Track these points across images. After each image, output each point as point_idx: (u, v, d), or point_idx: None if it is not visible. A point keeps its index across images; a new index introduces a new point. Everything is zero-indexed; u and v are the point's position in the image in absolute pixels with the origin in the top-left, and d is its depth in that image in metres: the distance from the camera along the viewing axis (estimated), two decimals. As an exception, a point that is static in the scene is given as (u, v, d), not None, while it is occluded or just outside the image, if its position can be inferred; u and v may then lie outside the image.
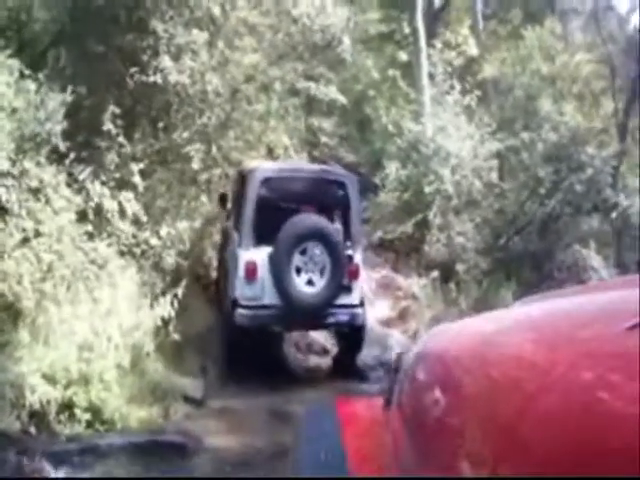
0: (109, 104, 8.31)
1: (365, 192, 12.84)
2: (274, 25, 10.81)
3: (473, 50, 17.74)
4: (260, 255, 8.04)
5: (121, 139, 8.40)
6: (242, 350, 8.03)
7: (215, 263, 10.31)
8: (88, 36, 9.32)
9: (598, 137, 15.47)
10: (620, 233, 14.72)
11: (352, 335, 8.55)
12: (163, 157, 9.81)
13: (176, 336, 7.32)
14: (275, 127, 11.68)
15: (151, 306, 7.45)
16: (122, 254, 7.79)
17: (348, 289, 8.22)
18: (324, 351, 9.41)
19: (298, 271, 8.03)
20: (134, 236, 7.95)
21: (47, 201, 7.06)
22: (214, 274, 10.22)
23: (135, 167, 8.28)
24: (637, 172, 14.71)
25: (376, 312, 10.73)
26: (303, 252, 8.04)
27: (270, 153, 11.72)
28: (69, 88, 7.68)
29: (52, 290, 6.71)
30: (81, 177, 7.58)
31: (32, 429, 5.78)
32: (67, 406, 6.03)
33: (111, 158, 8.39)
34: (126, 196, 7.86)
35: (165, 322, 7.36)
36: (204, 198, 10.18)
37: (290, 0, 10.59)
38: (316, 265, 8.06)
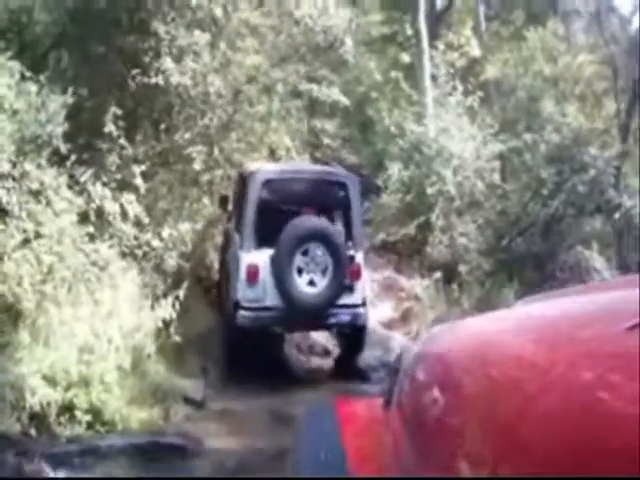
0: (110, 106, 8.32)
1: (367, 194, 12.84)
2: (276, 26, 10.82)
3: (475, 51, 17.76)
4: (262, 257, 8.03)
5: (122, 141, 8.42)
6: (243, 352, 8.02)
7: (217, 265, 10.30)
8: (89, 38, 9.33)
9: (600, 138, 15.42)
10: (622, 234, 14.68)
11: (354, 335, 8.54)
12: (165, 159, 9.81)
13: (177, 338, 7.32)
14: (277, 129, 11.68)
15: (152, 308, 7.45)
16: (123, 256, 7.79)
17: (350, 289, 8.21)
18: (326, 352, 9.39)
19: (300, 272, 8.03)
20: (136, 238, 7.95)
21: (48, 203, 7.06)
22: (216, 276, 10.20)
23: (137, 169, 8.30)
24: (638, 173, 14.66)
25: (379, 313, 10.72)
26: (305, 253, 8.03)
27: (272, 155, 11.71)
28: (70, 90, 7.69)
29: (52, 291, 6.71)
30: (82, 179, 7.58)
31: (32, 431, 5.78)
32: (67, 408, 6.02)
33: (112, 160, 8.41)
34: (128, 198, 7.87)
35: (166, 324, 7.36)
36: (206, 200, 10.18)
37: (292, 1, 10.60)
38: (318, 266, 8.05)
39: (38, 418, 5.85)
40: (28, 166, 7.05)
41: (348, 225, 8.46)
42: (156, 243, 8.16)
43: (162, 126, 9.75)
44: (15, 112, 7.19)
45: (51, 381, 6.03)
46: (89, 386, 6.18)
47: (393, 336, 10.09)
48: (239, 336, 8.00)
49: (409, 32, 17.39)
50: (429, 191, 12.79)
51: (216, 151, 9.92)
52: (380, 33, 20.31)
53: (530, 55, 16.90)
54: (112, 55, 9.43)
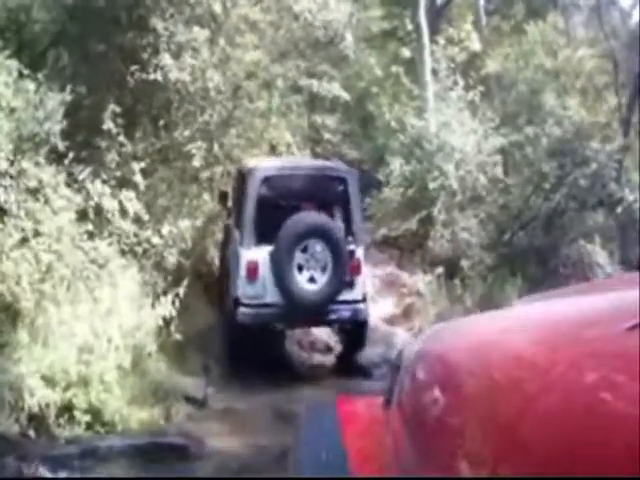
0: (109, 103, 8.31)
1: (368, 189, 12.81)
2: (275, 22, 10.78)
3: (476, 46, 17.68)
4: (261, 254, 8.02)
5: (122, 138, 8.40)
6: (244, 349, 8.01)
7: (217, 261, 10.27)
8: (88, 36, 9.33)
9: (602, 131, 15.39)
10: (625, 228, 14.65)
11: (355, 331, 8.53)
12: (164, 155, 9.80)
13: (178, 336, 7.29)
14: (277, 124, 11.66)
15: (152, 306, 7.42)
16: (123, 253, 7.77)
17: (350, 285, 8.20)
18: (327, 349, 9.37)
19: (300, 269, 8.02)
20: (135, 235, 7.92)
21: (46, 201, 7.04)
22: (216, 273, 10.17)
23: (136, 166, 8.28)
24: (639, 167, 14.63)
25: (380, 309, 10.69)
26: (304, 250, 8.03)
27: (272, 150, 11.68)
28: (68, 88, 7.67)
29: (51, 290, 6.69)
30: (81, 177, 7.55)
31: (31, 432, 5.75)
32: (67, 408, 5.99)
33: (112, 157, 8.40)
34: (127, 195, 7.84)
35: (166, 322, 7.33)
36: (206, 196, 10.16)
37: (292, -4, 10.54)
38: (318, 262, 8.04)
39: (37, 419, 5.83)
40: (26, 164, 7.03)
41: (348, 220, 8.44)
42: (156, 240, 8.13)
43: (161, 123, 9.74)
44: (13, 110, 7.18)
45: (50, 381, 6.00)
46: (88, 386, 6.15)
47: (395, 332, 10.07)
48: (240, 333, 8.00)
49: (409, 27, 17.38)
50: (431, 186, 12.75)
51: (216, 147, 9.90)
52: (380, 28, 20.37)
53: (530, 49, 16.90)
54: (111, 53, 9.43)
